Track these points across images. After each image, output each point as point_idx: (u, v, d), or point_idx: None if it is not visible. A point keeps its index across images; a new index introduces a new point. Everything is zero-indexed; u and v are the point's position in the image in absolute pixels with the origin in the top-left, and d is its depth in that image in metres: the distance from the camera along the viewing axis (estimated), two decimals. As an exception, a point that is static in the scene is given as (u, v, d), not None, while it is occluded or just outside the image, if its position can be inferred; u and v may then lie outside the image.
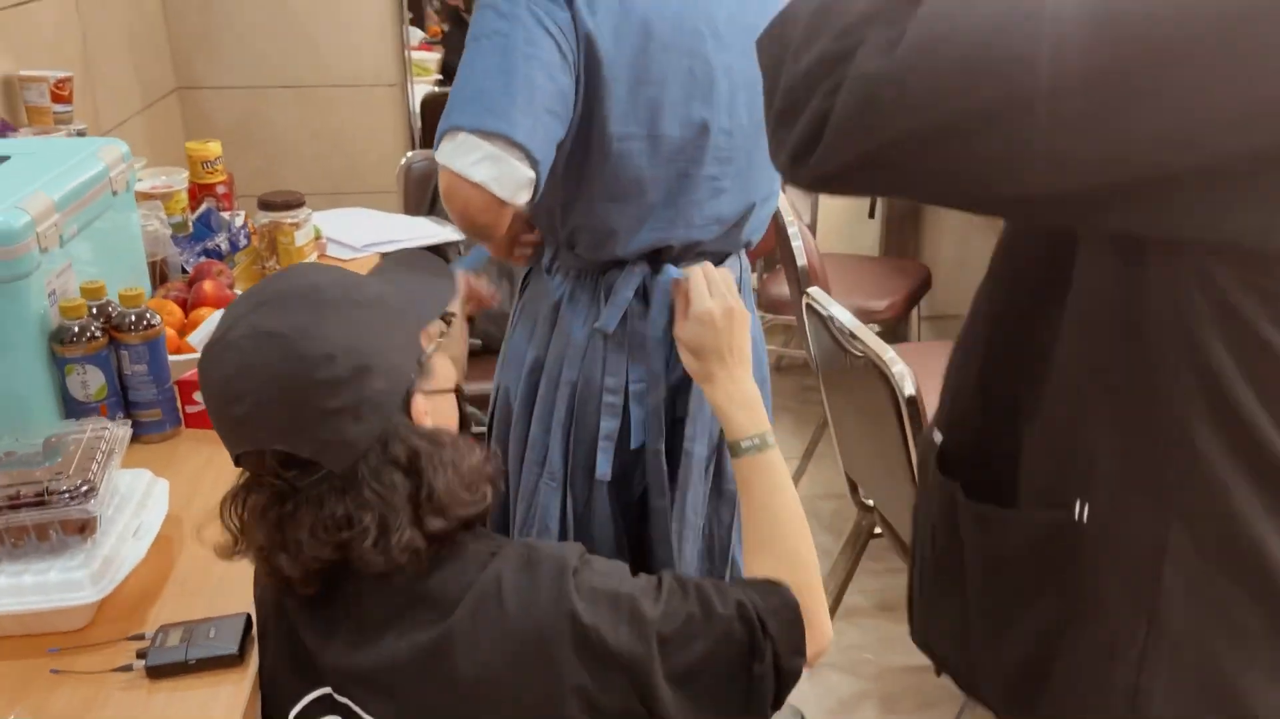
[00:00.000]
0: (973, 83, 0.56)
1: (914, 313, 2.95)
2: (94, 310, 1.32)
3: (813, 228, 3.31)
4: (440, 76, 4.20)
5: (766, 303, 2.84)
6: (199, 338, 1.41)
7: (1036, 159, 0.58)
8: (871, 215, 3.22)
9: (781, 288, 2.78)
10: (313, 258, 2.00)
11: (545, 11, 1.14)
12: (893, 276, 2.93)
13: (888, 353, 1.48)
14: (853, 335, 1.54)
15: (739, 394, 1.09)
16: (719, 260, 1.37)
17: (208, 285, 1.65)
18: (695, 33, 1.23)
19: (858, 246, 3.32)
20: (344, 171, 2.96)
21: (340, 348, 0.83)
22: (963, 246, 3.23)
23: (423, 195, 2.53)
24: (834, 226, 3.32)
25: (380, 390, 0.84)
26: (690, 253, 1.35)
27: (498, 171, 1.11)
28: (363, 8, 2.83)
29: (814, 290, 1.66)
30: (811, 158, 0.61)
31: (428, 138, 3.01)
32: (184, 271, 1.76)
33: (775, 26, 0.67)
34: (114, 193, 1.52)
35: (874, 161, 0.61)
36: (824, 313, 1.58)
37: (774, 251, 2.68)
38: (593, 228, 1.30)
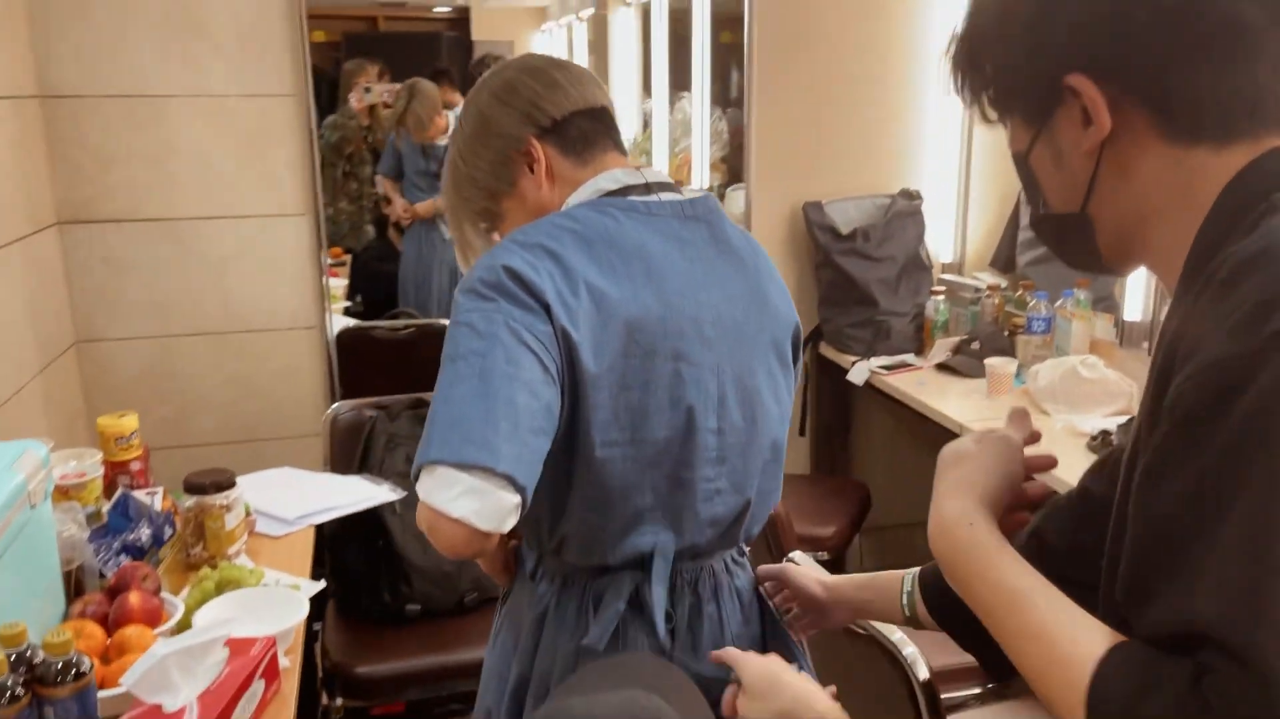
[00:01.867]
0: None
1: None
2: (13, 660, 1.14)
3: (744, 447, 3.28)
4: (348, 303, 4.13)
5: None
6: (133, 679, 1.23)
7: None
8: (802, 433, 3.21)
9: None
10: (243, 540, 1.83)
11: (525, 326, 1.08)
12: (832, 498, 2.89)
13: (895, 633, 1.40)
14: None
15: None
16: (712, 558, 1.29)
17: (134, 598, 1.46)
18: (680, 335, 1.18)
19: (790, 465, 3.29)
20: (260, 418, 2.80)
21: None
22: (893, 460, 3.24)
23: (352, 449, 2.40)
24: (766, 446, 3.29)
25: None
26: (685, 556, 1.26)
27: (479, 504, 1.03)
28: (279, 249, 2.75)
29: (798, 555, 1.58)
30: None
31: (344, 379, 2.89)
32: (102, 576, 1.57)
33: None
34: (32, 506, 1.36)
35: None
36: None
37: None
38: (580, 535, 1.21)
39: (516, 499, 1.04)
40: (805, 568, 1.34)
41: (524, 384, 1.06)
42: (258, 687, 1.35)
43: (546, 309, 1.10)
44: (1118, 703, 0.66)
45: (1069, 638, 0.71)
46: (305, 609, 1.55)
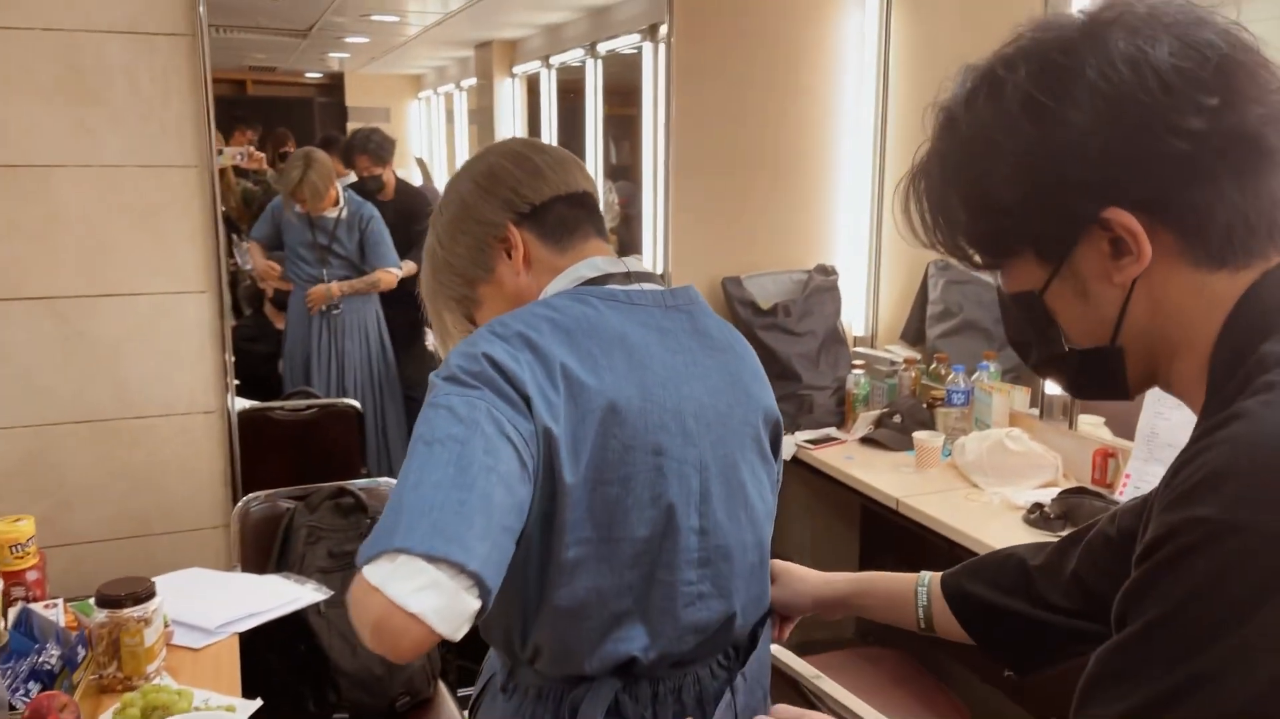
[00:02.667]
0: None
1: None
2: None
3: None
4: (238, 382, 3.90)
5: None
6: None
7: None
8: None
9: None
10: (162, 656, 1.65)
11: (508, 418, 1.03)
12: (761, 575, 2.85)
13: (893, 729, 1.35)
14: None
15: None
16: (697, 665, 1.22)
17: (57, 735, 1.29)
18: (661, 428, 1.13)
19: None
20: (152, 512, 2.57)
21: None
22: (812, 533, 3.24)
23: (266, 544, 2.23)
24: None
25: None
26: (667, 664, 1.19)
27: (442, 603, 0.93)
28: (177, 328, 2.56)
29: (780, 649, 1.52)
30: None
31: (247, 467, 2.70)
32: (13, 709, 1.39)
33: None
34: (-59, 639, 1.18)
35: None
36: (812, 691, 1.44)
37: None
38: (555, 643, 1.14)
39: (478, 605, 0.96)
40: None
41: (501, 478, 0.99)
42: (212, 834, 1.20)
43: (527, 402, 1.05)
44: None
45: None
46: (252, 736, 1.40)
